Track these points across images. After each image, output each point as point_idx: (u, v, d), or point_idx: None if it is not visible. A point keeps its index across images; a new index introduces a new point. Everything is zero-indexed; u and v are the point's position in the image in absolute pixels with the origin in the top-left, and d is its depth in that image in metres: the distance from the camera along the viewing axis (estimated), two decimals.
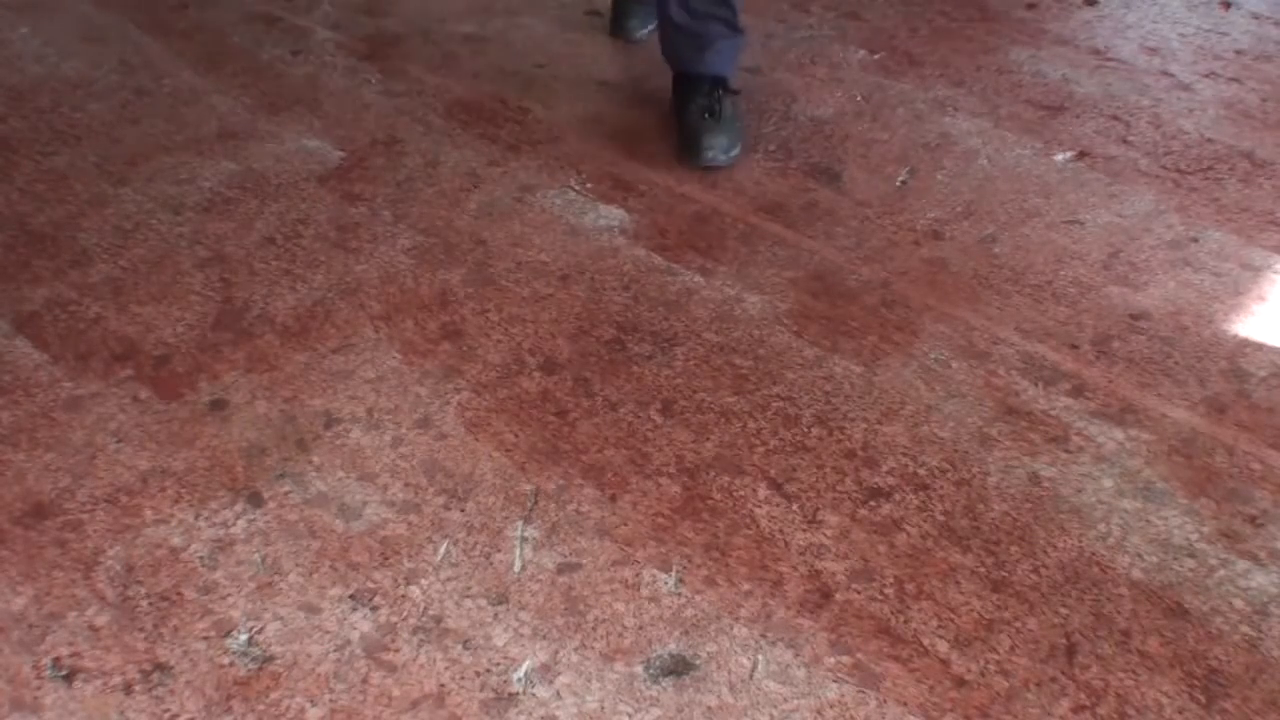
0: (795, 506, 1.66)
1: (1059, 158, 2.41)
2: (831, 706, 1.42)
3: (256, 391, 1.83)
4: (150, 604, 1.52)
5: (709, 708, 1.41)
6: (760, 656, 1.47)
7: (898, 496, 1.68)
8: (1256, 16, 2.97)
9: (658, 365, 1.89)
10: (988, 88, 2.64)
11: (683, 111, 2.37)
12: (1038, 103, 2.59)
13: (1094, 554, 1.60)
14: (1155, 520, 1.65)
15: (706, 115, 2.32)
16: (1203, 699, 1.43)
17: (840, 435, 1.77)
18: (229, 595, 1.53)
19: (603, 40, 2.79)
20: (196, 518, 1.63)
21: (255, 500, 1.65)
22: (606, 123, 2.48)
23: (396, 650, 1.47)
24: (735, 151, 2.33)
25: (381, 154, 2.39)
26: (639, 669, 1.45)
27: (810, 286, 2.05)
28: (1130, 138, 2.48)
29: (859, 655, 1.47)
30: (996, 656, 1.47)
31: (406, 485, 1.68)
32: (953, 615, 1.52)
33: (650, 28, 2.67)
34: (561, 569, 1.57)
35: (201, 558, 1.58)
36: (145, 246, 2.09)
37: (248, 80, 2.63)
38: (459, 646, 1.47)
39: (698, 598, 1.54)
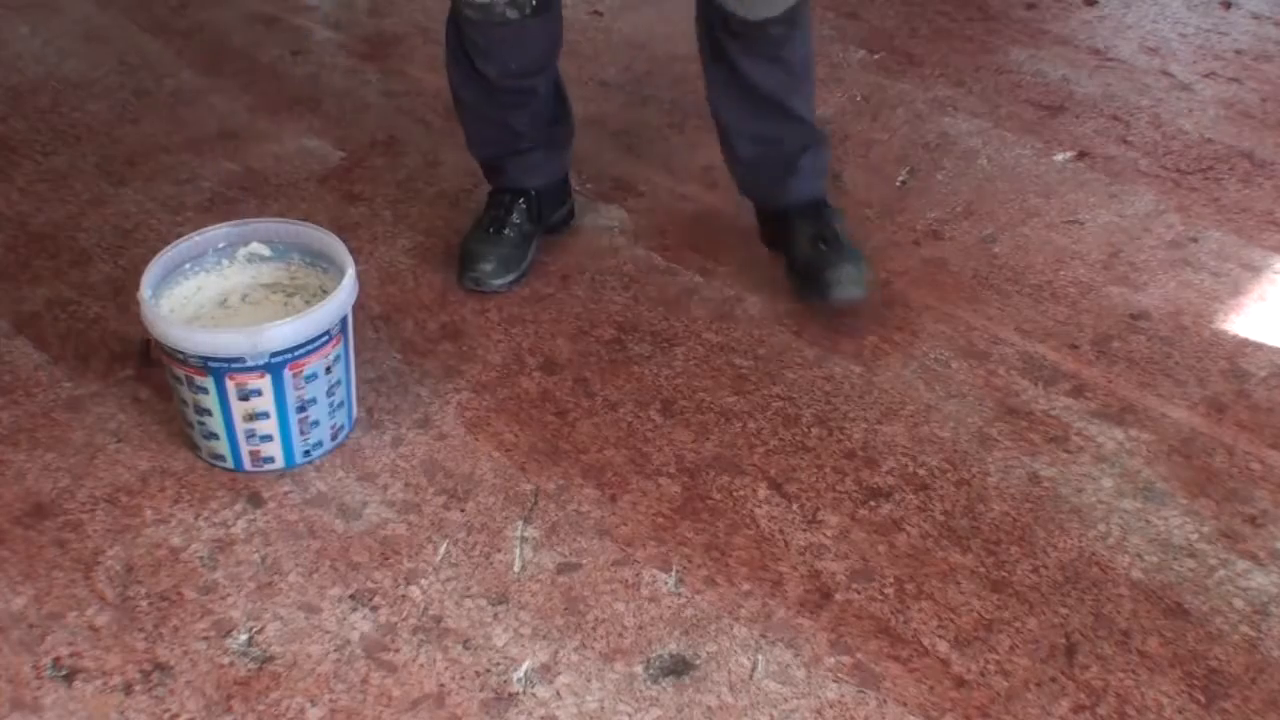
0: (795, 506, 1.66)
1: (1059, 158, 2.41)
2: (831, 706, 1.42)
3: None
4: (150, 604, 1.52)
5: (709, 708, 1.41)
6: (760, 656, 1.47)
7: (898, 496, 1.68)
8: (1256, 16, 2.97)
9: (658, 365, 1.89)
10: (988, 88, 2.64)
11: (789, 245, 1.99)
12: (1038, 103, 2.59)
13: (1094, 554, 1.60)
14: (1155, 520, 1.65)
15: (820, 244, 1.95)
16: (1203, 699, 1.43)
17: (840, 435, 1.77)
18: (229, 595, 1.53)
19: (603, 40, 2.79)
20: (196, 518, 1.63)
21: (255, 500, 1.65)
22: (606, 123, 2.48)
23: (396, 650, 1.47)
24: (868, 274, 1.93)
25: (381, 154, 2.39)
26: (639, 669, 1.45)
27: None
28: (1130, 138, 2.48)
29: (859, 655, 1.47)
30: (996, 656, 1.47)
31: (406, 485, 1.68)
32: (953, 615, 1.52)
33: (512, 276, 2.02)
34: (561, 569, 1.57)
35: (201, 558, 1.57)
36: (145, 246, 2.09)
37: (248, 80, 2.63)
38: (459, 646, 1.47)
39: (698, 598, 1.54)
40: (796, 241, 1.97)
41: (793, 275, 1.98)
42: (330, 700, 1.41)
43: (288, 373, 1.60)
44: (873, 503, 1.67)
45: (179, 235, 1.76)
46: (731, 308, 2.00)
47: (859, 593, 1.55)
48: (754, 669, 1.45)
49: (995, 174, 2.35)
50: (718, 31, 1.86)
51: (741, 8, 1.79)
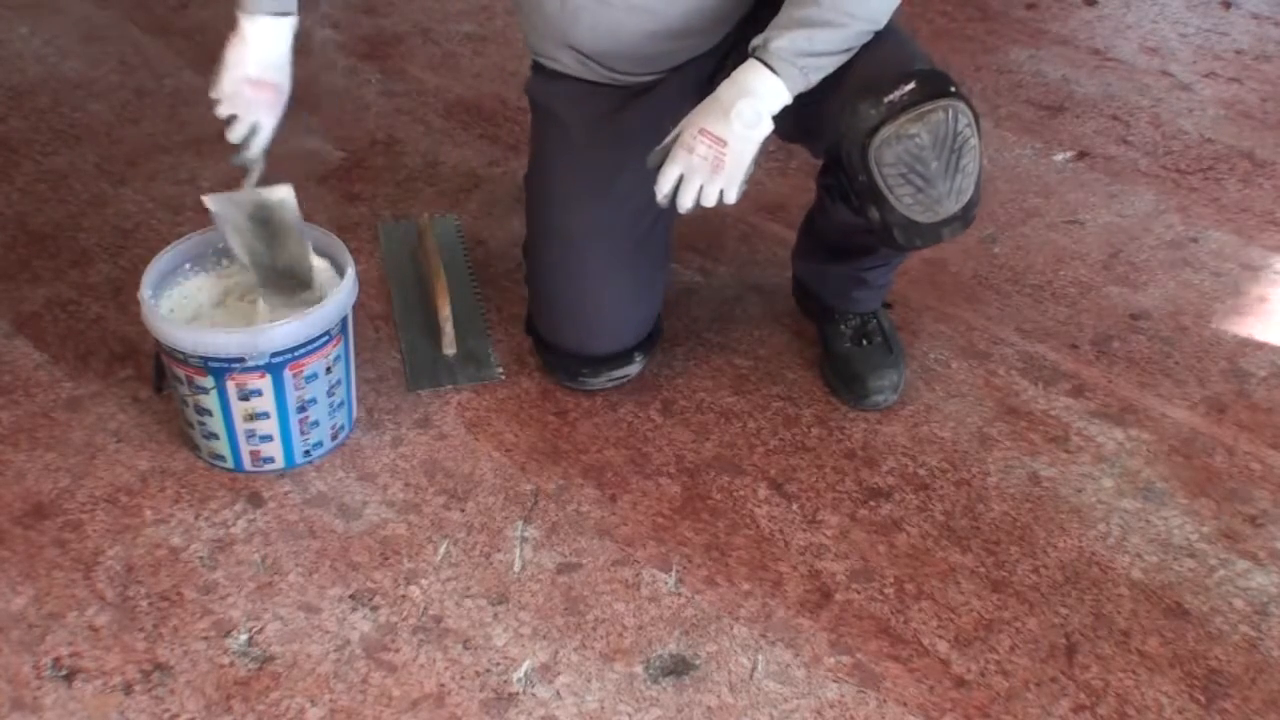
0: (795, 506, 1.66)
1: (1059, 158, 2.41)
2: (831, 706, 1.42)
3: None
4: (150, 604, 1.52)
5: (709, 708, 1.41)
6: (760, 656, 1.47)
7: (898, 496, 1.68)
8: (1256, 16, 2.97)
9: (658, 365, 1.89)
10: (988, 88, 2.64)
11: (830, 334, 1.86)
12: (1038, 103, 2.59)
13: (1094, 554, 1.60)
14: (1155, 520, 1.65)
15: (863, 340, 1.83)
16: (1203, 699, 1.43)
17: (840, 435, 1.77)
18: (229, 595, 1.53)
19: None
20: (196, 518, 1.63)
21: (255, 500, 1.65)
22: None
23: (396, 650, 1.47)
24: (903, 383, 1.82)
25: (381, 154, 2.39)
26: (639, 669, 1.45)
27: None
28: (1130, 138, 2.48)
29: (859, 655, 1.47)
30: (996, 656, 1.47)
31: (406, 485, 1.68)
32: (953, 615, 1.52)
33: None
34: (561, 569, 1.57)
35: (201, 558, 1.57)
36: (145, 246, 2.09)
37: None
38: (459, 646, 1.47)
39: (698, 598, 1.54)
40: (838, 333, 1.85)
41: (828, 366, 1.85)
42: (330, 700, 1.41)
43: (288, 373, 1.60)
44: (873, 503, 1.67)
45: (179, 235, 1.76)
46: (731, 308, 2.00)
47: (859, 593, 1.55)
48: (754, 669, 1.45)
49: (995, 174, 2.35)
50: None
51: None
